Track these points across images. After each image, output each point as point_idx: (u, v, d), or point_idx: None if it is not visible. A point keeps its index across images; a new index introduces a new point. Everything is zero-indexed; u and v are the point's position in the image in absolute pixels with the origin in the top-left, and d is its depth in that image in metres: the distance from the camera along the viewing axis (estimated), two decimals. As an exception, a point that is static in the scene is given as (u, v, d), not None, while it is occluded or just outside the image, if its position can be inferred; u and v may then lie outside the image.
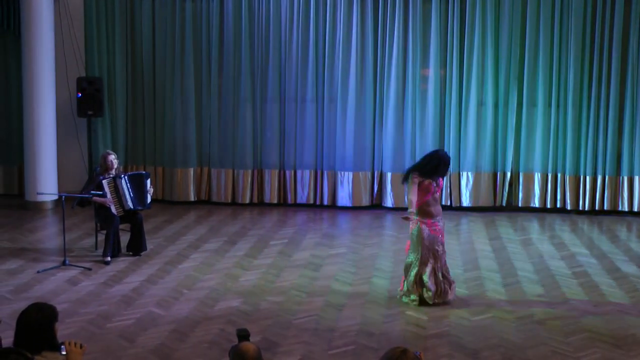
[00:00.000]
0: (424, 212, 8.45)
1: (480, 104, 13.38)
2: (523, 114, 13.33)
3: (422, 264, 8.46)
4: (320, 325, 7.92)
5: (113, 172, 10.40)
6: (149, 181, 10.61)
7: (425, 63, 13.44)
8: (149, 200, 10.58)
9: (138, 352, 7.20)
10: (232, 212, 13.40)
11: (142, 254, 10.51)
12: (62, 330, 5.82)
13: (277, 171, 13.82)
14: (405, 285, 8.62)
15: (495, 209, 13.50)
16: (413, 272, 8.48)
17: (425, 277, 8.44)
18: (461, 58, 13.32)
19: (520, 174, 13.44)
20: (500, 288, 9.21)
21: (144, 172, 11.20)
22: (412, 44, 13.31)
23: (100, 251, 10.45)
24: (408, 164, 13.22)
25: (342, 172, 13.62)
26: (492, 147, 13.42)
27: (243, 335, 4.66)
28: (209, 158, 13.96)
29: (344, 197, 13.67)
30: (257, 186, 13.90)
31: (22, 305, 6.57)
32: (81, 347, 4.59)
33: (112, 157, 10.42)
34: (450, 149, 13.31)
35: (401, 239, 11.25)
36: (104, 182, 10.20)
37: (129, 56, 13.99)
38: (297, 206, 13.77)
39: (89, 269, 9.83)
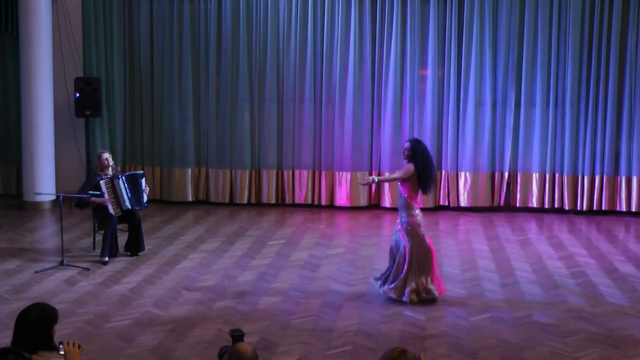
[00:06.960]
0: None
1: (478, 104, 13.38)
2: (521, 114, 13.33)
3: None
4: (318, 325, 7.92)
5: (109, 171, 10.40)
6: (143, 180, 10.62)
7: (423, 63, 13.45)
8: (145, 199, 10.59)
9: (136, 352, 7.20)
10: (230, 212, 13.40)
11: (140, 254, 10.51)
12: (60, 330, 5.81)
13: (275, 171, 13.81)
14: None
15: (493, 209, 13.50)
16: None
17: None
18: (459, 58, 13.33)
19: (518, 174, 13.44)
20: (498, 288, 9.21)
21: (139, 172, 11.19)
22: (410, 44, 13.32)
23: (98, 251, 10.44)
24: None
25: (340, 172, 13.61)
26: (490, 147, 13.42)
27: (238, 335, 4.63)
28: (207, 158, 13.95)
29: (342, 197, 13.67)
30: (255, 186, 13.89)
31: (20, 305, 6.58)
32: (79, 347, 4.57)
33: (106, 156, 10.44)
34: (448, 149, 13.35)
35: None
36: (102, 182, 10.18)
37: (126, 56, 13.99)
38: (295, 206, 13.76)
39: (87, 269, 9.82)
